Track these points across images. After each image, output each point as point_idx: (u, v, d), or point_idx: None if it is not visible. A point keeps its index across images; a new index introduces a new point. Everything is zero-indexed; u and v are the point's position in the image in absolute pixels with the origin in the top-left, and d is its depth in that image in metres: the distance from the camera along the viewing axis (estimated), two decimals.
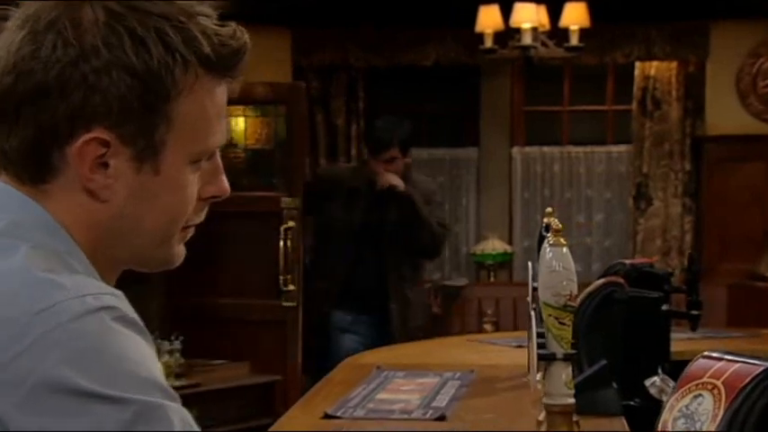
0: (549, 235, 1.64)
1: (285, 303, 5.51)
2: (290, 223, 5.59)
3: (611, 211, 7.21)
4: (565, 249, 1.59)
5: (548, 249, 1.59)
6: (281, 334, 5.49)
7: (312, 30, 6.84)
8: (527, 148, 7.27)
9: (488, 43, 5.84)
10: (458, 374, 2.62)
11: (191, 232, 1.13)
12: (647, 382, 2.32)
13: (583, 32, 5.87)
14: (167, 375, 4.16)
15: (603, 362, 2.23)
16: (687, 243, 6.87)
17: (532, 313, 1.65)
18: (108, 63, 1.00)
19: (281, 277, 5.43)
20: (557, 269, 1.57)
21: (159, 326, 4.72)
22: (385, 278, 4.59)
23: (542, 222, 2.64)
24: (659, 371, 2.47)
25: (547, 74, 7.13)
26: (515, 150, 7.25)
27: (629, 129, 7.01)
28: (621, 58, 6.89)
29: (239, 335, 5.37)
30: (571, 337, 1.61)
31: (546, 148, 7.27)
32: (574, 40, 5.85)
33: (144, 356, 0.97)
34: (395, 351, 3.18)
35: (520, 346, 2.90)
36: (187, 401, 3.56)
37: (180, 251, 1.11)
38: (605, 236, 7.23)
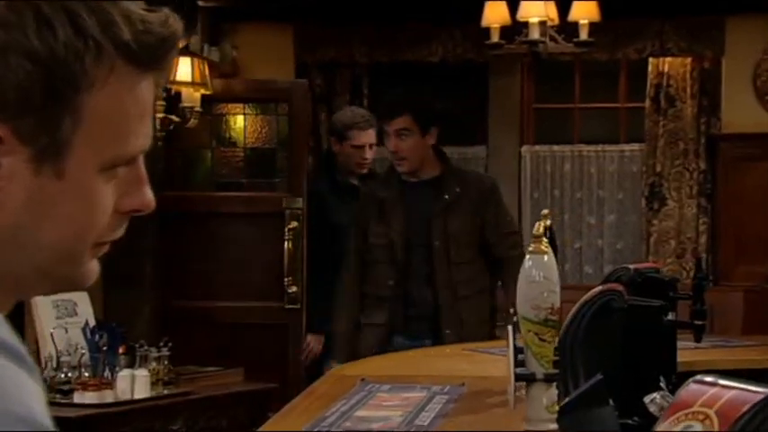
0: (531, 241, 1.48)
1: (288, 306, 5.40)
2: (293, 224, 5.48)
3: (624, 211, 7.05)
4: (546, 257, 1.44)
5: (527, 257, 1.44)
6: (282, 338, 5.37)
7: (315, 26, 6.73)
8: (536, 147, 7.11)
9: (494, 38, 5.70)
10: (447, 388, 2.47)
11: (105, 248, 0.98)
12: (647, 399, 2.16)
13: (593, 27, 5.72)
14: (155, 383, 4.04)
15: (599, 376, 2.08)
16: (702, 245, 6.70)
17: (510, 328, 1.49)
18: (4, 45, 0.85)
19: (285, 279, 5.33)
20: (537, 279, 1.42)
21: (148, 331, 4.59)
22: (436, 300, 3.98)
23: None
24: (662, 385, 2.32)
25: (557, 71, 7.00)
26: (524, 149, 7.10)
27: (642, 127, 6.85)
28: (634, 53, 6.74)
29: (239, 339, 5.26)
30: (554, 354, 1.45)
31: (556, 147, 7.10)
32: (583, 35, 5.70)
33: (21, 390, 0.82)
34: (384, 361, 3.03)
35: None
36: (176, 411, 3.40)
37: (91, 270, 0.96)
38: (617, 237, 7.06)
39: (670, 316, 2.76)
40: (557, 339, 1.47)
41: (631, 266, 2.84)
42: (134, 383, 4.00)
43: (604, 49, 6.54)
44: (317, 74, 6.81)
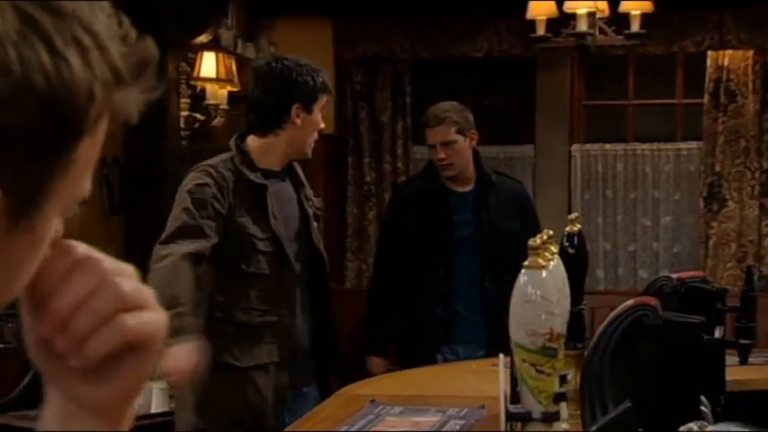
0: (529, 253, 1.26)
1: None
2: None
3: (681, 213, 6.76)
4: (545, 273, 1.22)
5: (522, 273, 1.22)
6: None
7: (355, 20, 6.61)
8: (587, 146, 6.85)
9: (540, 31, 5.46)
10: (464, 411, 2.25)
11: None
12: (683, 429, 1.93)
13: (646, 19, 5.47)
14: (173, 396, 3.87)
15: (628, 404, 1.85)
16: (765, 248, 6.41)
17: (501, 356, 1.27)
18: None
19: None
20: (532, 299, 1.20)
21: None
22: (320, 332, 3.09)
23: (564, 232, 2.26)
24: (704, 410, 2.08)
25: (609, 65, 6.76)
26: (575, 148, 6.84)
27: (700, 124, 6.57)
28: (692, 46, 6.48)
29: None
30: (557, 387, 1.23)
31: (608, 146, 6.83)
32: (635, 27, 5.45)
33: None
34: (400, 378, 2.81)
35: None
36: None
37: None
38: (674, 241, 6.78)
39: (717, 331, 2.52)
40: (558, 371, 1.25)
41: (674, 275, 2.61)
42: (151, 396, 3.85)
43: (659, 41, 6.32)
44: (356, 70, 6.67)
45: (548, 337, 1.20)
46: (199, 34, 4.56)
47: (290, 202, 3.10)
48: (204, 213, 2.89)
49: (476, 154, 4.09)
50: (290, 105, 3.04)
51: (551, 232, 1.43)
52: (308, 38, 6.59)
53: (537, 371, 1.22)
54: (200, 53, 4.79)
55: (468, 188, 4.05)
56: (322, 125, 3.14)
